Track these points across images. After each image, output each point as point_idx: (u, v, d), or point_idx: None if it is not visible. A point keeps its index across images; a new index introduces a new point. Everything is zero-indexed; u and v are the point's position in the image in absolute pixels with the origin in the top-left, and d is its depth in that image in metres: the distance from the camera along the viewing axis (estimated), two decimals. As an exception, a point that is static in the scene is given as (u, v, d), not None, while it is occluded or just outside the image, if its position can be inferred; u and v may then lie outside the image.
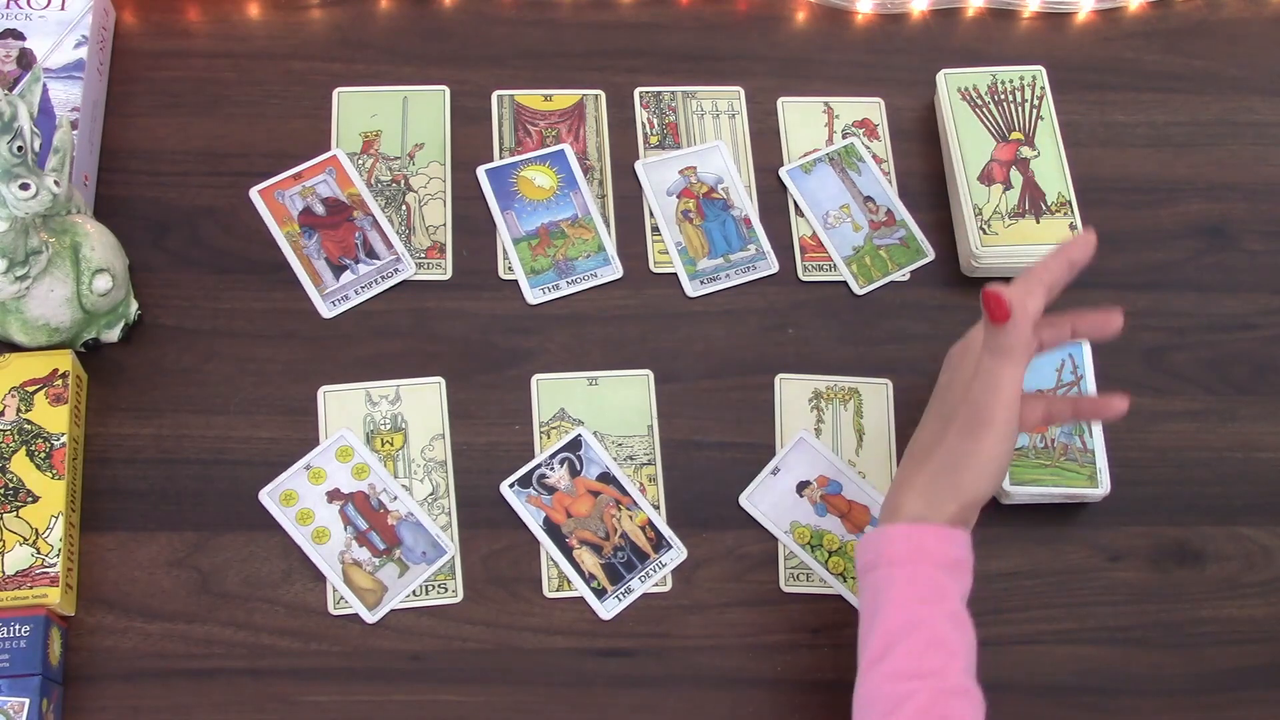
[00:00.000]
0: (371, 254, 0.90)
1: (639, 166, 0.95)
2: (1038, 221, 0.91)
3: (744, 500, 0.85)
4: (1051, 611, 0.84)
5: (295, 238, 0.90)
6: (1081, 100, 1.00)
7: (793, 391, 0.89)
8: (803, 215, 0.95)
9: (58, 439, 0.81)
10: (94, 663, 0.78)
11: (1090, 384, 0.88)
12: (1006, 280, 0.93)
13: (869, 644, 0.68)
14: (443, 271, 0.91)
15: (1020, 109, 0.95)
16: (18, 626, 0.74)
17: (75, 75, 0.90)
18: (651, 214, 0.94)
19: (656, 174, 0.95)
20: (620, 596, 0.82)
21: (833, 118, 0.99)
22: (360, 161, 0.93)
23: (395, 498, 0.83)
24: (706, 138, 0.97)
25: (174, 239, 0.90)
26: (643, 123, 0.97)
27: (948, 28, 1.03)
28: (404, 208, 0.92)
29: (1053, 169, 0.93)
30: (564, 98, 0.97)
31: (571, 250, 0.92)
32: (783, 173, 0.96)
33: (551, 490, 0.85)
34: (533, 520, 0.84)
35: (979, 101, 0.95)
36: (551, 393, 0.87)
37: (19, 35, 0.92)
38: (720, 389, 0.89)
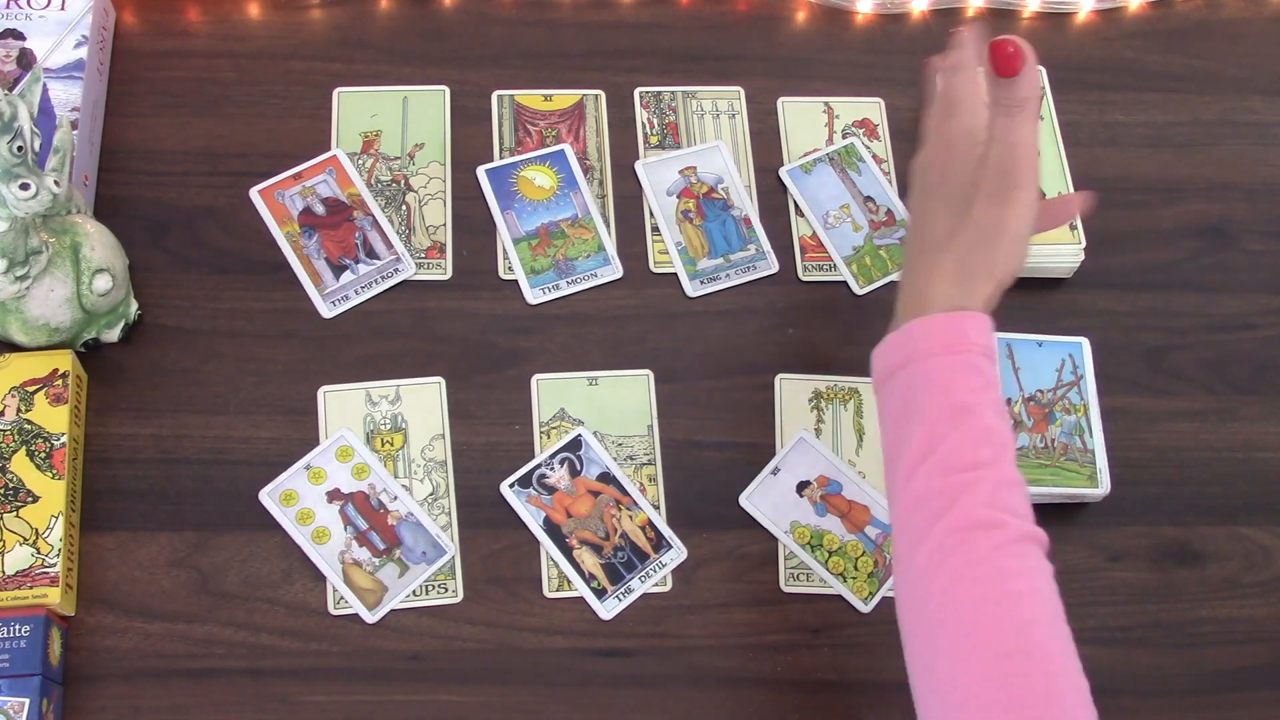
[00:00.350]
0: (371, 254, 0.90)
1: (639, 166, 0.95)
2: (1038, 221, 0.91)
3: (744, 500, 0.85)
4: (1051, 611, 0.84)
5: (295, 238, 0.90)
6: (1081, 100, 1.00)
7: (793, 391, 0.89)
8: (803, 215, 0.95)
9: (58, 439, 0.81)
10: (94, 663, 0.78)
11: (1090, 383, 0.88)
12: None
13: (910, 443, 0.63)
14: (443, 271, 0.91)
15: (1020, 109, 0.95)
16: (18, 626, 0.74)
17: (75, 75, 0.90)
18: (651, 214, 0.94)
19: (656, 174, 0.95)
20: (620, 596, 0.82)
21: (833, 118, 0.99)
22: (360, 161, 0.93)
23: (395, 498, 0.83)
24: (706, 138, 0.97)
25: (174, 239, 0.90)
26: (643, 123, 0.97)
27: (948, 28, 1.03)
28: (404, 208, 0.92)
29: (1053, 169, 0.93)
30: (564, 98, 0.97)
31: (571, 250, 0.92)
32: (783, 173, 0.96)
33: (551, 490, 0.85)
34: (533, 520, 0.84)
35: (979, 101, 0.95)
36: (551, 393, 0.87)
37: (19, 35, 0.92)
38: (720, 389, 0.89)
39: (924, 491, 0.62)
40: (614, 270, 0.92)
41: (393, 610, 0.81)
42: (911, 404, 0.64)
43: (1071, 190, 0.92)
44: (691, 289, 0.91)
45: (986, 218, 0.65)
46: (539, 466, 0.85)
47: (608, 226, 0.93)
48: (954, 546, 0.61)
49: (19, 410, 0.81)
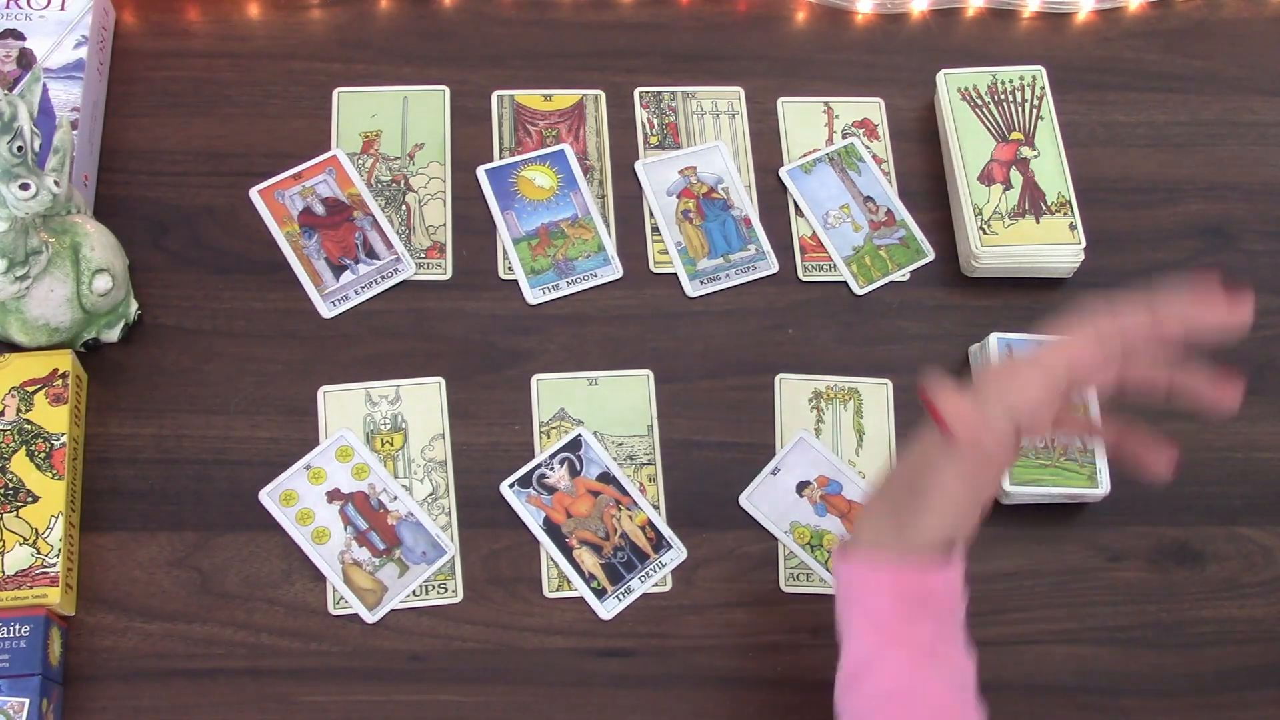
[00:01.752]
0: (371, 254, 0.90)
1: (639, 166, 0.95)
2: (1038, 221, 0.91)
3: (744, 500, 0.85)
4: (1051, 611, 0.84)
5: (295, 238, 0.90)
6: (1081, 100, 1.00)
7: (793, 391, 0.89)
8: (803, 215, 0.95)
9: (58, 439, 0.81)
10: (94, 663, 0.78)
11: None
12: (1005, 281, 0.93)
13: (845, 657, 0.65)
14: (443, 271, 0.91)
15: (1020, 109, 0.95)
16: (18, 626, 0.74)
17: (75, 75, 0.90)
18: (651, 214, 0.94)
19: (656, 174, 0.95)
20: (620, 596, 0.82)
21: (833, 118, 0.99)
22: (360, 161, 0.93)
23: (395, 498, 0.83)
24: (706, 138, 0.97)
25: (174, 239, 0.90)
26: (643, 123, 0.97)
27: (948, 28, 1.03)
28: (404, 208, 0.92)
29: (1053, 169, 0.93)
30: (564, 98, 0.97)
31: (571, 250, 0.92)
32: (783, 173, 0.96)
33: (551, 490, 0.85)
34: (533, 520, 0.84)
35: (979, 101, 0.95)
36: (551, 393, 0.87)
37: (19, 35, 0.92)
38: (720, 389, 0.89)
39: (858, 711, 0.64)
40: (614, 270, 0.92)
41: (393, 610, 0.81)
42: (844, 629, 0.66)
43: (1070, 189, 0.92)
44: (691, 289, 0.91)
45: (902, 494, 0.64)
46: (539, 466, 0.85)
47: (608, 226, 0.93)
48: None
49: (19, 410, 0.81)
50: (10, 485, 0.79)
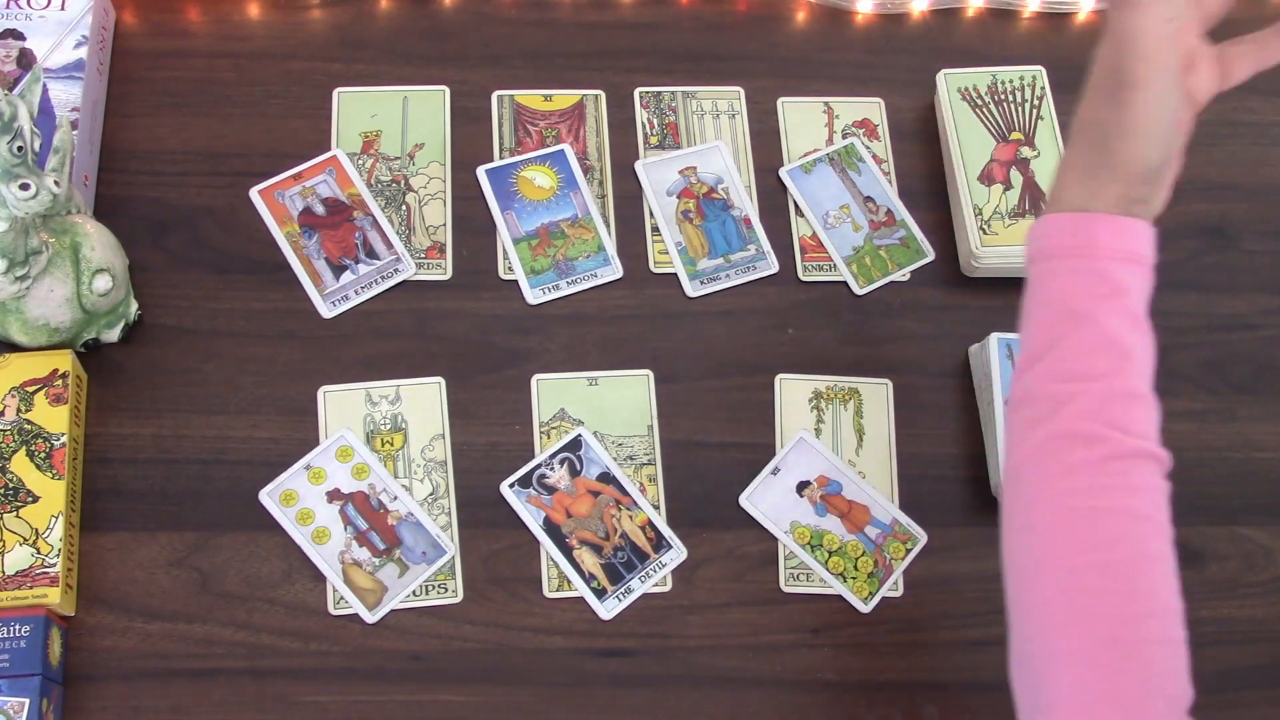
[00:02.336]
0: (371, 254, 0.90)
1: (639, 166, 0.95)
2: (1038, 221, 0.91)
3: (744, 500, 0.85)
4: (1051, 611, 0.84)
5: (295, 238, 0.90)
6: (1081, 100, 1.00)
7: (793, 391, 0.89)
8: (803, 215, 0.95)
9: (58, 439, 0.81)
10: (94, 663, 0.78)
11: (1090, 384, 0.88)
12: (1005, 281, 0.93)
13: (1027, 340, 0.62)
14: (443, 271, 0.91)
15: (1020, 109, 0.95)
16: (18, 626, 0.74)
17: (75, 75, 0.90)
18: (651, 214, 0.94)
19: (656, 174, 0.95)
20: (620, 596, 0.82)
21: (833, 118, 0.99)
22: (360, 161, 0.93)
23: (395, 498, 0.83)
24: (706, 138, 0.97)
25: (174, 239, 0.90)
26: (643, 123, 0.97)
27: (948, 28, 1.03)
28: (404, 208, 0.92)
29: (1053, 169, 0.93)
30: (564, 98, 0.97)
31: (571, 250, 0.92)
32: (783, 173, 0.96)
33: (551, 490, 0.85)
34: (533, 520, 0.84)
35: (979, 101, 0.96)
36: (551, 393, 0.87)
37: (19, 35, 0.92)
38: (720, 389, 0.89)
39: (1031, 393, 0.61)
40: (614, 270, 0.92)
41: (393, 610, 0.81)
42: (1033, 301, 0.63)
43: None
44: (691, 289, 0.91)
45: (1103, 116, 0.61)
46: (539, 466, 0.85)
47: (608, 226, 0.93)
48: (1049, 455, 0.60)
49: (19, 410, 0.81)
50: (10, 485, 0.79)
